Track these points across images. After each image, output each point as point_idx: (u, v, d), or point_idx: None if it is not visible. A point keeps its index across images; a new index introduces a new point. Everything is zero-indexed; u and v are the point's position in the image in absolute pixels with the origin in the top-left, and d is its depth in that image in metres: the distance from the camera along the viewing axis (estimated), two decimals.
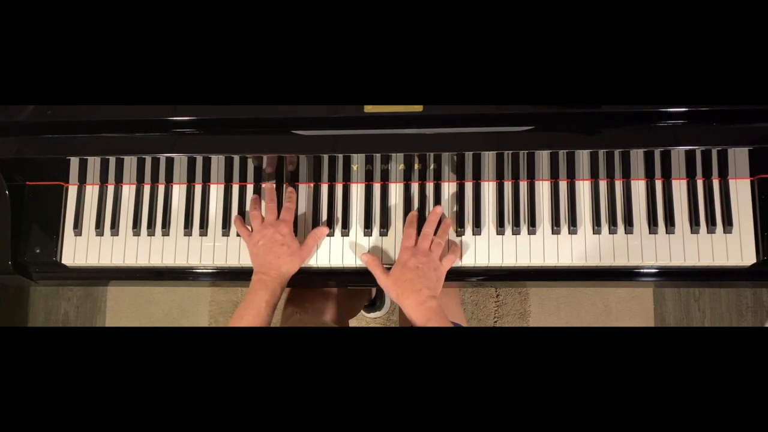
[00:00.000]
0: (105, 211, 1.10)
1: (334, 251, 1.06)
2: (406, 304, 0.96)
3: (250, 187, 1.09)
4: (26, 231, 1.09)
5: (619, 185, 1.04)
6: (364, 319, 1.86)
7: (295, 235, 1.04)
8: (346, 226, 1.06)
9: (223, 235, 1.08)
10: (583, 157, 1.03)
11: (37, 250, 1.09)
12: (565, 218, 1.04)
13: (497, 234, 1.05)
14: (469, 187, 1.06)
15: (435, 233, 1.02)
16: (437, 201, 1.05)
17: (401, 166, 1.06)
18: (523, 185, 1.05)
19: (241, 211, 1.08)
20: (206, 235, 1.08)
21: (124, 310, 1.90)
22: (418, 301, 0.95)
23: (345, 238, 1.06)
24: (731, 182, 1.02)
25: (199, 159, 1.07)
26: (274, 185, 1.07)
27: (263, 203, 1.06)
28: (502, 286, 1.82)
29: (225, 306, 1.87)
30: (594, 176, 1.04)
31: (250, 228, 1.06)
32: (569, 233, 1.04)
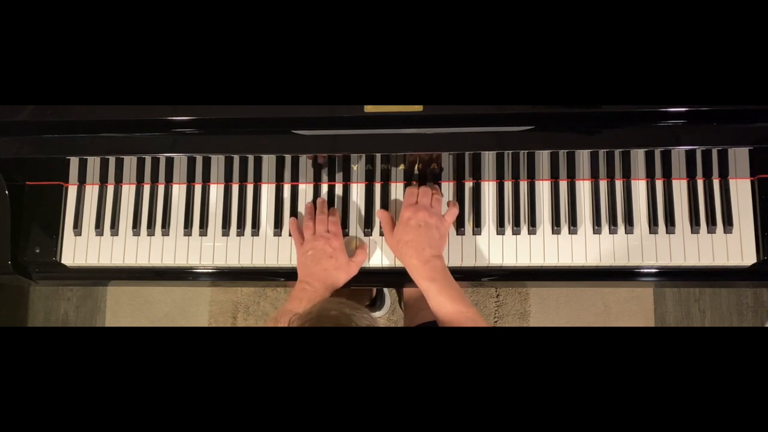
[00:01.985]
0: (105, 211, 1.10)
1: None
2: (409, 264, 0.96)
3: (250, 187, 1.09)
4: (26, 231, 1.09)
5: (619, 185, 1.04)
6: None
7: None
8: (346, 226, 1.06)
9: (223, 235, 1.08)
10: (583, 156, 1.03)
11: (37, 250, 1.09)
12: (565, 218, 1.04)
13: (497, 234, 1.05)
14: (469, 186, 1.06)
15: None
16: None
17: (401, 166, 1.06)
18: (523, 185, 1.05)
19: (241, 211, 1.08)
20: (206, 235, 1.08)
21: (124, 310, 1.90)
22: (421, 261, 0.95)
23: (345, 238, 1.06)
24: (731, 182, 1.02)
25: (199, 159, 1.07)
26: (326, 200, 1.07)
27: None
28: (502, 286, 1.82)
29: (225, 306, 1.87)
30: (594, 176, 1.04)
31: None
32: (569, 233, 1.04)
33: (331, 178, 1.08)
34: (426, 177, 1.07)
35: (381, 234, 1.06)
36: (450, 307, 0.92)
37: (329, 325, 0.77)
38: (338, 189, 1.08)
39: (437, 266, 0.94)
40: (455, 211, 1.02)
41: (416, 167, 1.06)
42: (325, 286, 0.99)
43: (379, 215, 1.04)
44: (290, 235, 1.07)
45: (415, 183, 1.05)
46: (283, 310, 0.97)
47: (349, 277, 1.01)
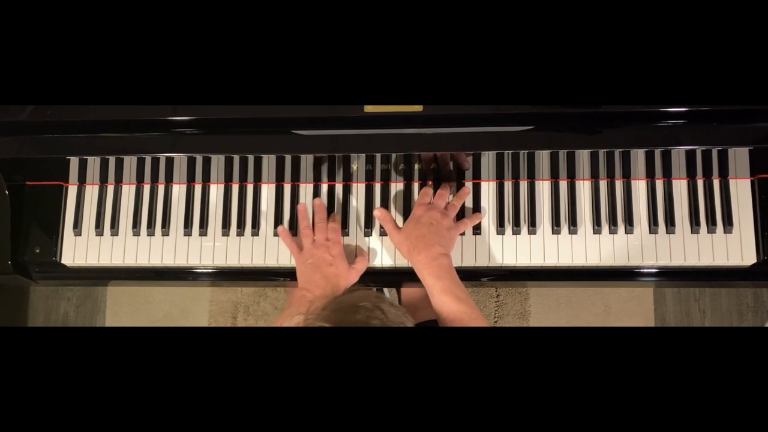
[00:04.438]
0: (105, 211, 1.10)
1: None
2: (417, 260, 0.96)
3: (250, 187, 1.08)
4: (26, 231, 1.09)
5: (619, 185, 1.04)
6: None
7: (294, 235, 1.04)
8: (346, 226, 1.06)
9: (223, 235, 1.08)
10: (583, 156, 1.03)
11: (37, 250, 1.09)
12: (565, 218, 1.04)
13: (497, 234, 1.05)
14: (469, 186, 1.06)
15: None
16: None
17: (401, 166, 1.06)
18: (523, 185, 1.05)
19: (241, 211, 1.08)
20: (206, 235, 1.08)
21: (124, 310, 1.90)
22: (429, 257, 0.94)
23: (345, 238, 1.06)
24: (731, 182, 1.02)
25: (199, 159, 1.07)
26: (325, 203, 1.06)
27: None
28: (502, 286, 1.82)
29: (225, 306, 1.87)
30: (594, 176, 1.04)
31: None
32: (569, 233, 1.04)
33: (331, 178, 1.08)
34: (441, 177, 1.06)
35: (381, 234, 1.06)
36: (453, 306, 0.91)
37: (360, 317, 0.76)
38: (338, 189, 1.08)
39: (444, 264, 0.94)
40: (470, 223, 1.01)
41: (431, 166, 1.05)
42: (325, 294, 0.97)
43: (376, 215, 1.03)
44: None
45: (431, 184, 1.05)
46: (284, 316, 0.97)
47: (348, 285, 1.01)
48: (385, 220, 1.02)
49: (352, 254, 1.05)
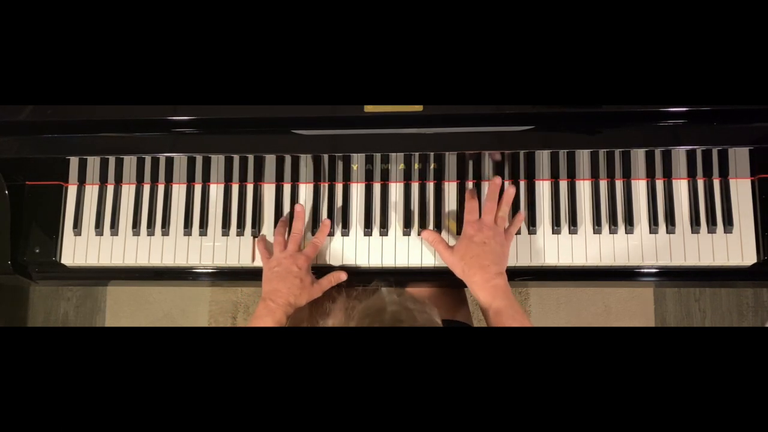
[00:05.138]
0: (105, 211, 1.10)
1: (334, 251, 1.06)
2: (472, 281, 0.95)
3: (250, 187, 1.08)
4: (26, 231, 1.09)
5: (619, 185, 1.04)
6: None
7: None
8: (346, 226, 1.06)
9: (223, 235, 1.08)
10: (583, 156, 1.03)
11: (37, 250, 1.09)
12: (565, 218, 1.04)
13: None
14: (469, 187, 1.06)
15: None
16: (438, 201, 1.05)
17: (401, 166, 1.06)
18: (523, 185, 1.05)
19: (241, 211, 1.08)
20: (206, 234, 1.08)
21: (124, 310, 1.90)
22: (484, 279, 0.94)
23: (345, 238, 1.06)
24: (732, 182, 1.02)
25: (199, 159, 1.07)
26: (304, 210, 1.05)
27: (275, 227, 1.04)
28: None
29: (225, 306, 1.87)
30: (594, 176, 1.04)
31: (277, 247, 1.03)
32: (569, 233, 1.04)
33: (331, 178, 1.08)
34: (426, 176, 1.06)
35: (381, 234, 1.06)
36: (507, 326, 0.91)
37: (388, 320, 0.75)
38: (338, 189, 1.08)
39: (499, 285, 0.94)
40: (515, 229, 1.01)
41: (416, 166, 1.05)
42: (289, 304, 0.97)
43: (425, 236, 1.02)
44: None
45: (472, 191, 1.03)
46: (255, 325, 0.96)
47: (310, 299, 1.00)
48: (435, 242, 1.01)
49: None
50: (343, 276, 1.03)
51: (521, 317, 0.93)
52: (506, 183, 1.04)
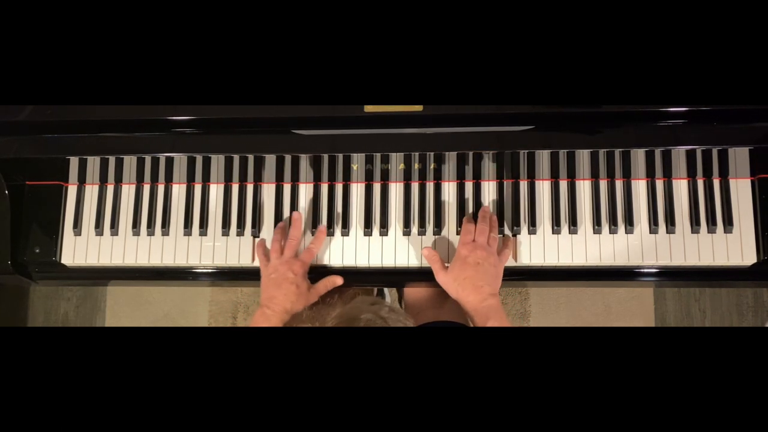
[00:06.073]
0: (105, 211, 1.10)
1: (334, 251, 1.06)
2: (466, 301, 0.96)
3: (250, 187, 1.08)
4: (26, 231, 1.09)
5: (619, 185, 1.04)
6: None
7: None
8: (345, 226, 1.06)
9: (222, 235, 1.08)
10: (583, 156, 1.03)
11: (37, 250, 1.09)
12: (565, 218, 1.04)
13: (497, 234, 1.04)
14: (469, 186, 1.06)
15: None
16: (437, 201, 1.05)
17: (401, 166, 1.06)
18: (523, 185, 1.05)
19: (241, 211, 1.08)
20: (206, 234, 1.08)
21: (124, 310, 1.90)
22: (478, 299, 0.95)
23: (345, 238, 1.06)
24: (732, 182, 1.02)
25: (199, 159, 1.07)
26: (302, 217, 1.06)
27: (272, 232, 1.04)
28: (503, 286, 1.82)
29: (225, 306, 1.87)
30: (594, 176, 1.04)
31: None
32: (569, 233, 1.04)
33: (331, 178, 1.08)
34: (426, 176, 1.06)
35: (381, 234, 1.06)
36: None
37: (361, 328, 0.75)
38: (338, 189, 1.08)
39: (493, 305, 0.94)
40: (509, 253, 1.02)
41: (416, 166, 1.05)
42: (285, 311, 0.98)
43: (425, 255, 1.02)
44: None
45: (470, 216, 1.04)
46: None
47: (307, 305, 1.00)
48: (432, 260, 1.01)
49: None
50: (338, 280, 1.04)
51: None
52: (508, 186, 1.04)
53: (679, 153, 1.01)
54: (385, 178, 1.07)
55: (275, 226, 1.07)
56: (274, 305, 0.98)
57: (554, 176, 1.04)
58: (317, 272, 1.06)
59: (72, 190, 1.11)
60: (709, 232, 1.02)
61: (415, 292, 1.21)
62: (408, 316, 0.81)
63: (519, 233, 1.04)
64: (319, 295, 1.02)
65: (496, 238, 1.01)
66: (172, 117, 0.96)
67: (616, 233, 1.03)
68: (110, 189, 1.10)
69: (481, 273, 0.96)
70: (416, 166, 1.06)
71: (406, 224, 1.05)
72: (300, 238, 1.05)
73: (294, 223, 1.05)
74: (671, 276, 1.05)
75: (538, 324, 1.82)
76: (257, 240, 1.07)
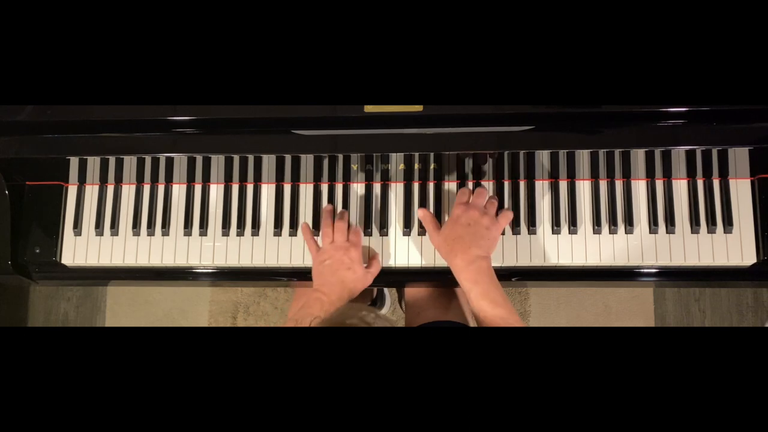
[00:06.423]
0: (105, 211, 1.10)
1: None
2: (453, 263, 0.94)
3: (250, 187, 1.09)
4: (26, 231, 1.09)
5: (619, 185, 1.04)
6: None
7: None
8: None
9: (223, 235, 1.08)
10: (583, 156, 1.03)
11: (37, 250, 1.09)
12: (565, 218, 1.04)
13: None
14: (469, 187, 1.06)
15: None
16: (437, 201, 1.05)
17: (401, 166, 1.06)
18: (523, 185, 1.05)
19: (241, 211, 1.08)
20: (206, 235, 1.08)
21: (124, 310, 1.90)
22: (466, 261, 0.92)
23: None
24: (731, 182, 1.02)
25: (199, 159, 1.07)
26: (326, 203, 1.06)
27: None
28: (503, 286, 1.82)
29: (225, 306, 1.87)
30: (594, 176, 1.04)
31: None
32: (569, 233, 1.04)
33: (331, 178, 1.08)
34: (426, 176, 1.06)
35: (381, 234, 1.06)
36: (490, 311, 0.90)
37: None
38: (338, 189, 1.08)
39: (482, 267, 0.92)
40: (509, 215, 1.00)
41: (416, 166, 1.05)
42: (340, 297, 0.97)
43: (419, 215, 1.02)
44: (290, 235, 1.07)
45: (469, 182, 1.04)
46: (295, 317, 0.96)
47: (364, 287, 1.00)
48: (426, 221, 1.00)
49: (365, 255, 1.05)
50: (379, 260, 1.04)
51: (503, 301, 0.91)
52: (506, 182, 1.04)
53: (678, 153, 1.01)
54: (385, 178, 1.07)
55: (275, 226, 1.07)
56: (329, 291, 0.97)
57: (554, 176, 1.04)
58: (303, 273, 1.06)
59: (72, 191, 1.11)
60: (708, 232, 1.02)
61: (415, 292, 1.21)
62: (395, 322, 0.81)
63: (519, 233, 1.04)
64: (374, 277, 1.02)
65: (495, 203, 0.99)
66: (172, 117, 0.96)
67: (616, 233, 1.03)
68: (110, 189, 1.10)
69: (471, 234, 0.94)
70: (416, 166, 1.06)
71: (406, 224, 1.05)
72: (347, 222, 1.04)
73: (341, 213, 1.04)
74: (671, 276, 1.05)
75: (538, 324, 1.82)
76: (303, 223, 1.06)
